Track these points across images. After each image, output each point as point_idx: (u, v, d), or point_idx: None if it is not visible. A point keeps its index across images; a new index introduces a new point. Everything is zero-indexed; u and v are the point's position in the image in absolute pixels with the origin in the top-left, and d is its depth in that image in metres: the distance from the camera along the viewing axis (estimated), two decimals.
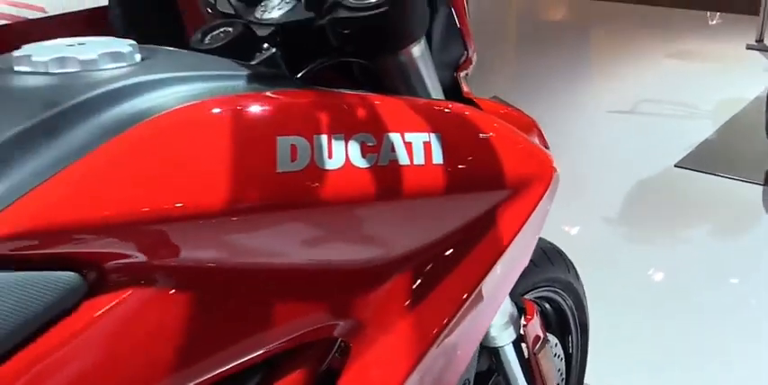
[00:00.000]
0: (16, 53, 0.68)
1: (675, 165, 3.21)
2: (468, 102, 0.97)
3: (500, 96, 1.19)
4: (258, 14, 0.85)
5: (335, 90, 0.75)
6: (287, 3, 0.85)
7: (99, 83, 0.63)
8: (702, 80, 4.36)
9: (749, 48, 4.44)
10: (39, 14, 4.60)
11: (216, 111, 0.63)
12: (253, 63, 0.79)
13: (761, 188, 3.02)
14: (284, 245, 0.67)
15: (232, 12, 0.89)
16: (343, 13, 0.78)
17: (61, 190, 0.56)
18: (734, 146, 3.49)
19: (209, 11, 0.92)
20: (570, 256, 1.44)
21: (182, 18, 4.21)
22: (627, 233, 2.73)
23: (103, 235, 0.57)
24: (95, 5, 4.18)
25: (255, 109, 0.65)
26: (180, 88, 0.65)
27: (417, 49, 0.84)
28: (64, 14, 4.55)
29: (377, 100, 0.74)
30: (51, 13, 4.60)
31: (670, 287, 2.40)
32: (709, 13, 5.82)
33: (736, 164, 3.24)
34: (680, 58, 4.74)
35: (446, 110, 0.81)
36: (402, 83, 0.85)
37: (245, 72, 0.71)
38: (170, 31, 4.17)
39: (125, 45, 0.70)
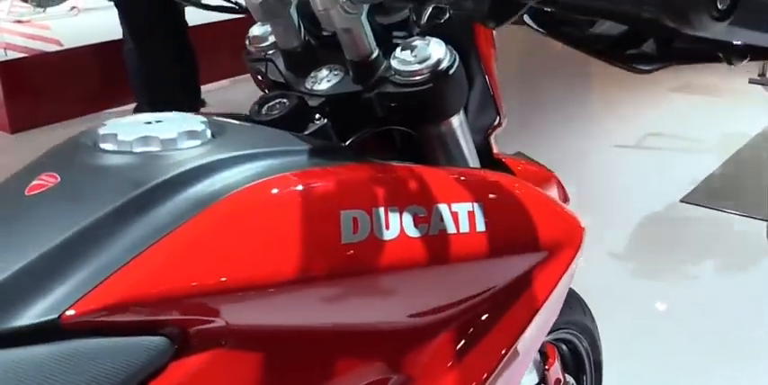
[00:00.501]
0: (102, 131, 0.75)
1: (681, 201, 3.28)
2: (498, 162, 1.04)
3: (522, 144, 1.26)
4: (308, 85, 0.92)
5: (386, 162, 0.82)
6: (335, 75, 0.91)
7: (180, 163, 0.70)
8: (706, 114, 4.43)
9: (752, 82, 4.51)
10: (54, 47, 4.70)
11: (285, 188, 0.70)
12: (306, 133, 0.86)
13: (765, 224, 3.08)
14: (346, 308, 0.74)
15: (281, 80, 0.96)
16: (389, 88, 0.85)
17: (151, 265, 0.63)
18: (738, 181, 3.56)
19: (260, 78, 0.99)
20: (577, 290, 1.49)
21: (194, 52, 4.25)
22: (634, 268, 2.79)
23: (189, 303, 0.64)
24: (109, 39, 4.28)
25: (320, 185, 0.72)
26: (250, 166, 0.72)
27: (456, 119, 0.91)
28: (79, 47, 4.65)
29: (425, 172, 0.81)
30: (66, 46, 4.71)
31: (676, 321, 2.45)
32: None
33: (740, 199, 3.30)
34: (683, 92, 4.82)
35: (487, 179, 0.88)
36: (442, 150, 0.91)
37: (305, 146, 0.78)
38: (182, 65, 4.22)
39: (198, 122, 0.77)
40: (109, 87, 4.56)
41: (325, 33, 0.93)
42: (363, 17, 0.83)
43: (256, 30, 0.99)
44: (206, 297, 0.64)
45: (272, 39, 0.97)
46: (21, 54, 4.46)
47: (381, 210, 0.73)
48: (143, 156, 0.71)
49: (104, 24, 4.49)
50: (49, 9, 5.51)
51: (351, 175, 0.76)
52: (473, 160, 0.94)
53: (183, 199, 0.67)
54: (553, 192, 1.23)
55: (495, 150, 1.05)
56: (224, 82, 5.04)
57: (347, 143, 0.88)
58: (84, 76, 4.54)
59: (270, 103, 0.89)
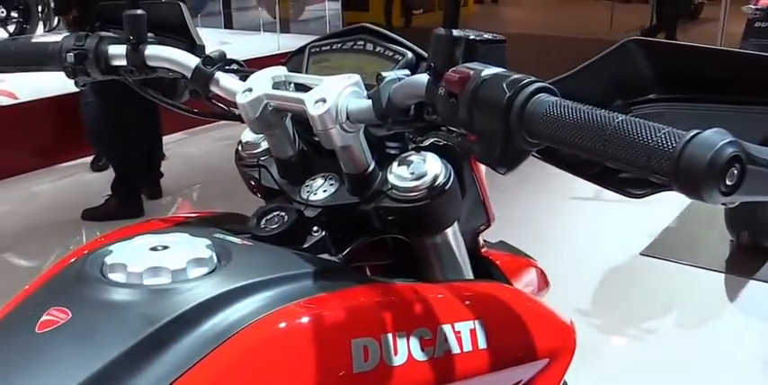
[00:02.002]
0: (108, 259, 0.75)
1: (641, 254, 3.34)
2: (485, 259, 1.06)
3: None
4: (304, 195, 0.92)
5: (388, 281, 0.83)
6: (331, 184, 0.92)
7: (190, 297, 0.70)
8: None
9: None
10: (8, 100, 4.63)
11: (294, 320, 0.71)
12: (306, 246, 0.87)
13: (722, 276, 3.15)
14: None
15: (276, 187, 0.96)
16: (387, 203, 0.86)
17: None
18: (695, 233, 3.64)
19: (253, 183, 1.00)
20: None
21: (155, 104, 4.21)
22: (600, 325, 2.82)
23: None
24: (66, 92, 4.23)
25: (329, 314, 0.73)
26: (258, 296, 0.72)
27: (451, 230, 0.92)
28: (34, 100, 4.59)
29: (427, 291, 0.82)
30: (22, 99, 4.64)
31: (638, 379, 2.48)
32: None
33: (698, 251, 3.38)
34: None
35: (484, 293, 0.89)
36: (436, 258, 0.93)
37: (308, 269, 0.78)
38: (143, 117, 4.15)
39: (203, 247, 0.77)
40: (64, 141, 4.52)
41: (317, 138, 0.94)
42: (361, 134, 0.85)
43: (248, 136, 0.99)
44: None
45: (264, 145, 0.98)
46: None
47: (390, 336, 0.75)
48: (154, 290, 0.71)
49: (61, 76, 4.42)
50: None
51: (358, 301, 0.77)
52: (466, 268, 0.95)
53: (196, 337, 0.67)
54: (534, 279, 1.26)
55: (482, 248, 1.07)
56: (180, 134, 5.03)
57: (344, 253, 0.89)
58: (40, 129, 4.50)
59: (268, 216, 0.89)
